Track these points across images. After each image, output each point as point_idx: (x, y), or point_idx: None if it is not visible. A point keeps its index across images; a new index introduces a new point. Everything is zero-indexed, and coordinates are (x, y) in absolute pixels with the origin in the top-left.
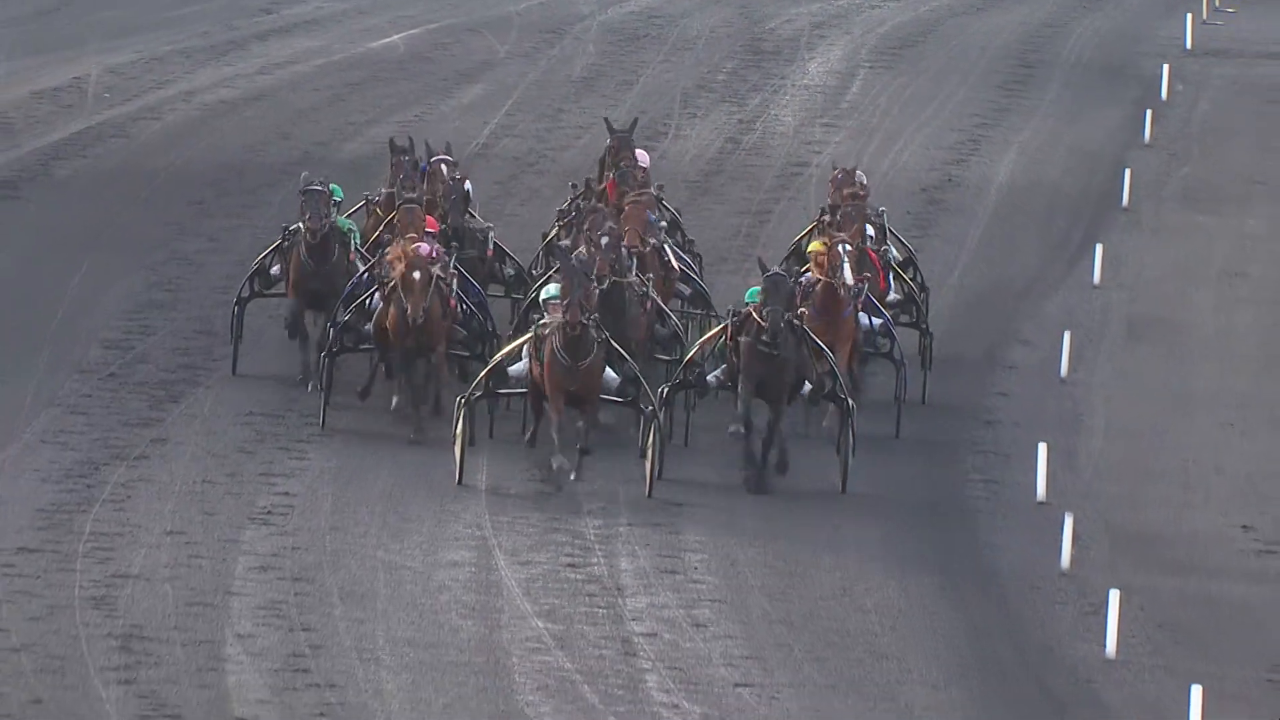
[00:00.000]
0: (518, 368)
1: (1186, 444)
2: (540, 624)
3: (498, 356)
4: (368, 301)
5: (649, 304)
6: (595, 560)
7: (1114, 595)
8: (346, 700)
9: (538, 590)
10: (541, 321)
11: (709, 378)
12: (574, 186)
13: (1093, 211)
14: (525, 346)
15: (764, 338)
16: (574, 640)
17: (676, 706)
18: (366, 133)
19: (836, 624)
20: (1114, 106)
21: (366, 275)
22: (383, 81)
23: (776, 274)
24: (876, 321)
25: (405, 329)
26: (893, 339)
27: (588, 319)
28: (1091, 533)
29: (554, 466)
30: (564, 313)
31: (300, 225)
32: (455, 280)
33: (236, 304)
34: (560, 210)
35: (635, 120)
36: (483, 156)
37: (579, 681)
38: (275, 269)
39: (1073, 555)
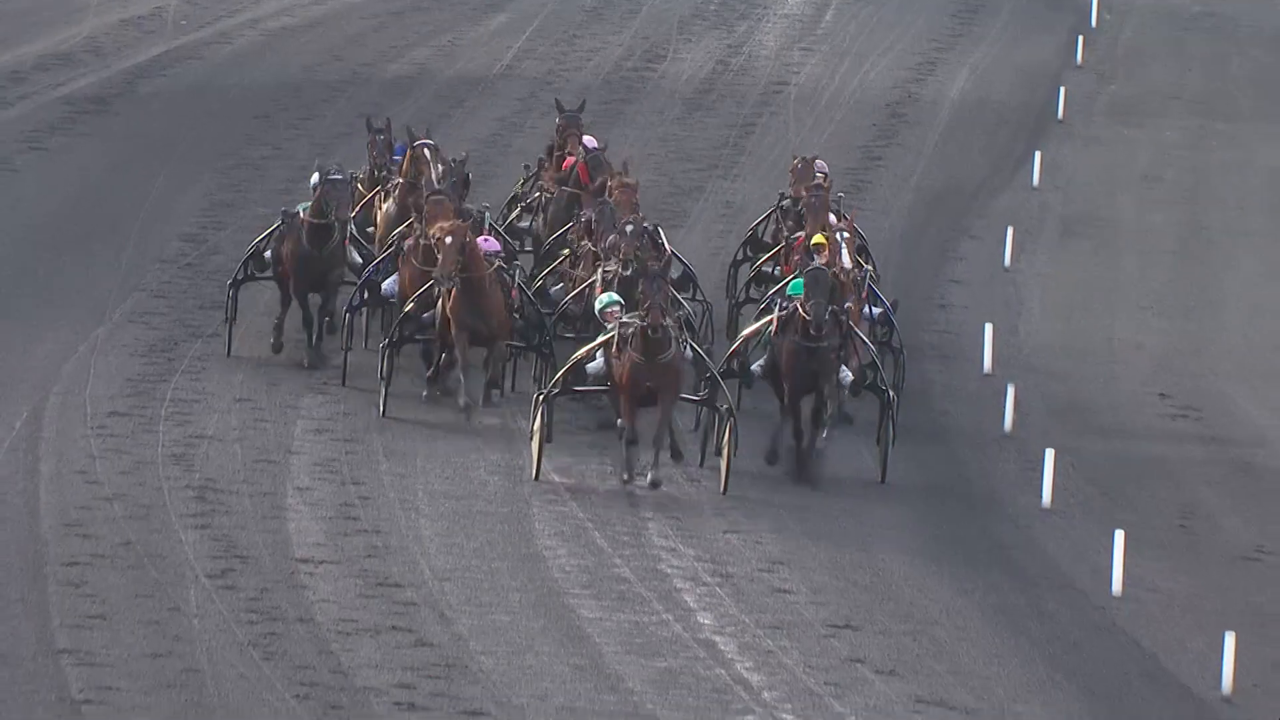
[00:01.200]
0: (595, 366)
1: (1111, 324)
2: (557, 479)
3: (577, 355)
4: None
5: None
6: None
7: (1049, 454)
8: (390, 544)
9: (554, 450)
10: (622, 321)
11: (754, 367)
12: (526, 168)
13: (1032, 124)
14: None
15: (810, 331)
16: (586, 494)
17: (674, 550)
18: (407, 55)
19: (812, 485)
20: (1051, 33)
21: (369, 262)
22: (421, 11)
23: (817, 268)
24: (875, 310)
25: (467, 321)
26: (892, 327)
27: (667, 320)
28: (1030, 400)
29: (640, 476)
30: (645, 315)
31: (299, 210)
32: (518, 273)
33: (231, 287)
34: (516, 194)
35: (584, 102)
36: (506, 76)
37: (590, 529)
38: (269, 253)
39: (1014, 420)
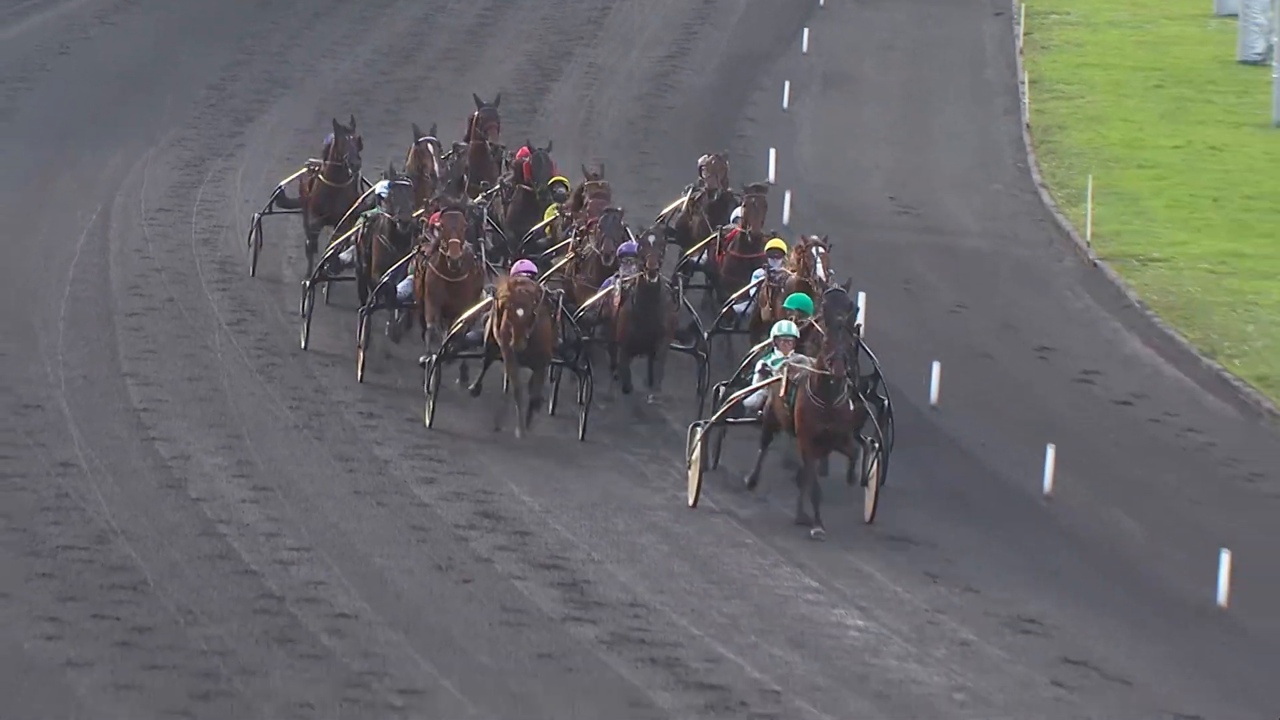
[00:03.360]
0: (753, 400)
1: (859, 149)
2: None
3: (741, 393)
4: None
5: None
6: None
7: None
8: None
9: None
10: (781, 361)
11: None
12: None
13: (803, 8)
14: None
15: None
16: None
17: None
18: None
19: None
20: None
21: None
22: None
23: (837, 290)
24: None
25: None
26: None
27: (848, 369)
28: (802, 203)
29: (809, 527)
30: (829, 364)
31: (382, 214)
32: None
33: (310, 285)
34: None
35: (499, 96)
36: None
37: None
38: (345, 254)
39: (790, 216)
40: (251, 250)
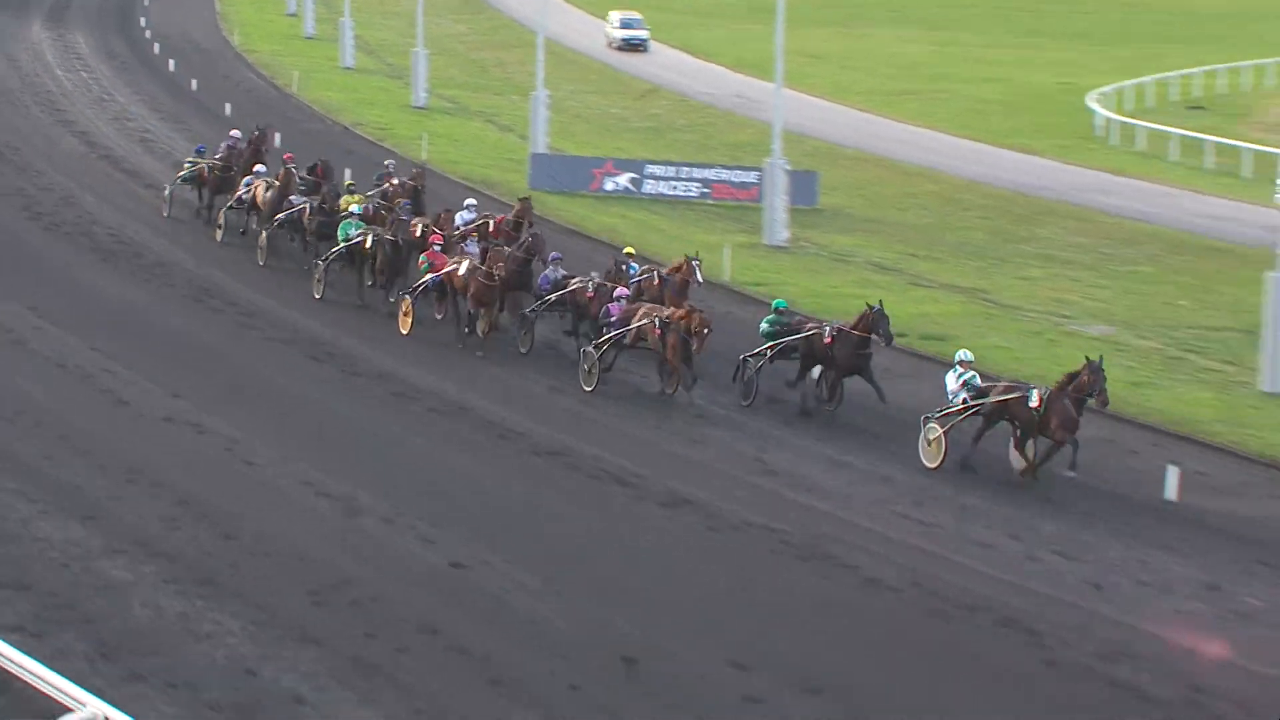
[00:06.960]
0: (988, 405)
1: (190, 22)
2: None
3: (973, 404)
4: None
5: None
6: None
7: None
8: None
9: None
10: (963, 376)
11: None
12: (325, 159)
13: None
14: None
15: (866, 341)
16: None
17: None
18: None
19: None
20: None
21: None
22: None
23: (879, 310)
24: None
25: (685, 352)
26: None
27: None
28: (154, 36)
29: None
30: (1097, 396)
31: (383, 234)
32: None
33: (324, 265)
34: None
35: (270, 124)
36: None
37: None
38: (344, 252)
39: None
40: (166, 204)
